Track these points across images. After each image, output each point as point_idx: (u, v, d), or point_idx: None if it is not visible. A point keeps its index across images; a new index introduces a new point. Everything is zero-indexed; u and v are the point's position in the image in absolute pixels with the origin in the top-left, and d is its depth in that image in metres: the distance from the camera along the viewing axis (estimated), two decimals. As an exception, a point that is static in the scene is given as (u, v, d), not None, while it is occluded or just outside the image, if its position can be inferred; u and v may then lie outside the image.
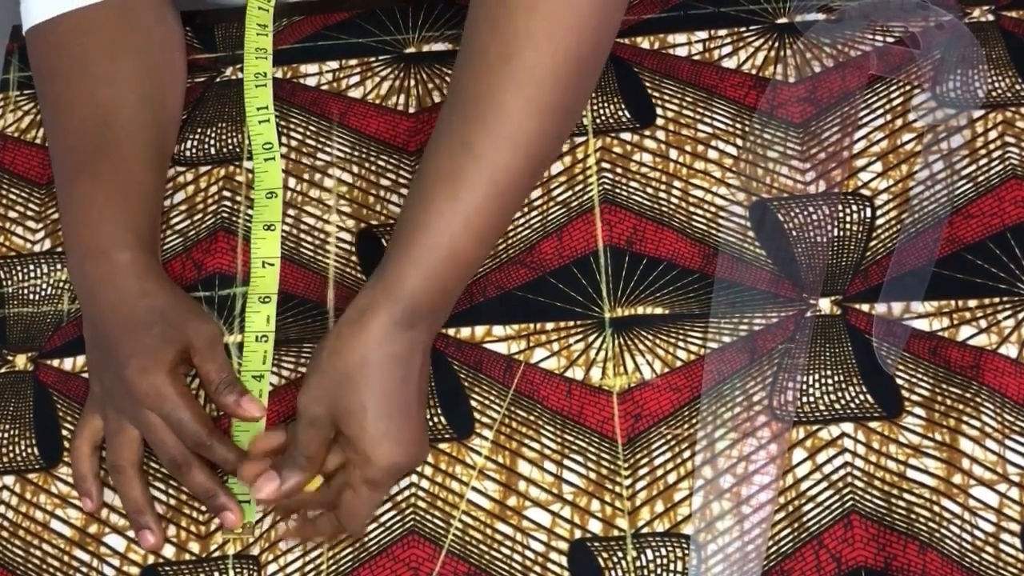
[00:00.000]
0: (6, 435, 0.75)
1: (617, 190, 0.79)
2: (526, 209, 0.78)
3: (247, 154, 0.83)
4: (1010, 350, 0.71)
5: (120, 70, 0.79)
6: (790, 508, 0.69)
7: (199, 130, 0.84)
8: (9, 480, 0.74)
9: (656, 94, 0.82)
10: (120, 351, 0.71)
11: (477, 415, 0.73)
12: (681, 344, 0.73)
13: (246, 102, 0.84)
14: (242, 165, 0.83)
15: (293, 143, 0.83)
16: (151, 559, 0.71)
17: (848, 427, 0.70)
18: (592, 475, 0.70)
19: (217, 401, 0.73)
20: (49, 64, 0.80)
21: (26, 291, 0.80)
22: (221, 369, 0.73)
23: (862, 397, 0.71)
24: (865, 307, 0.73)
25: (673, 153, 0.80)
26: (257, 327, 0.76)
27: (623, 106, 0.82)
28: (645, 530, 0.69)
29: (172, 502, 0.72)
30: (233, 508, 0.70)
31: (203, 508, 0.72)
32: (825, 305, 0.74)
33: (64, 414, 0.76)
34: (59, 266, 0.80)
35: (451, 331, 0.75)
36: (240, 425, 0.73)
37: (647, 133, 0.81)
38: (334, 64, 0.86)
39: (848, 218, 0.76)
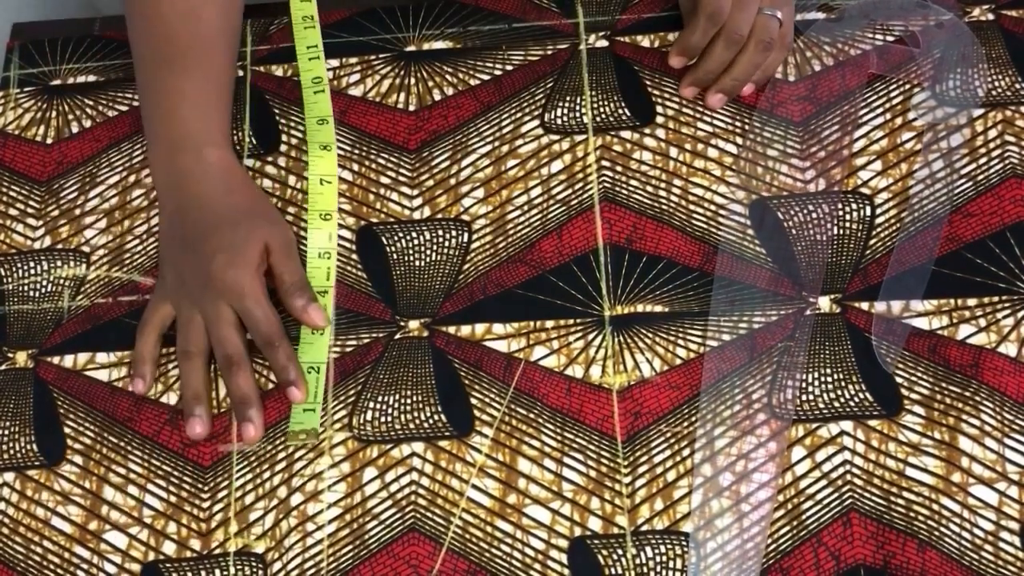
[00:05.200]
0: (6, 432, 0.75)
1: (617, 188, 0.79)
2: (526, 207, 0.79)
3: (247, 152, 0.83)
4: (1009, 349, 0.71)
5: None
6: (789, 506, 0.69)
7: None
8: (9, 477, 0.74)
9: (656, 92, 0.82)
10: (206, 244, 0.74)
11: (477, 413, 0.73)
12: (681, 342, 0.74)
13: (296, 41, 0.86)
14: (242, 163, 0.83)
15: (294, 141, 0.83)
16: (152, 556, 0.71)
17: (847, 425, 0.70)
18: (592, 473, 0.71)
19: (286, 302, 0.75)
20: None
21: (26, 288, 0.80)
22: (294, 272, 0.75)
23: (861, 395, 0.71)
24: (865, 305, 0.74)
25: (673, 151, 0.80)
26: (319, 244, 0.77)
27: (623, 104, 0.82)
28: (645, 528, 0.69)
29: (173, 499, 0.72)
30: (257, 425, 0.72)
31: (204, 505, 0.72)
32: (825, 303, 0.74)
33: (64, 412, 0.76)
34: (59, 263, 0.80)
35: (451, 329, 0.75)
36: (306, 337, 0.75)
37: (647, 131, 0.81)
38: (334, 62, 0.86)
39: (848, 216, 0.76)
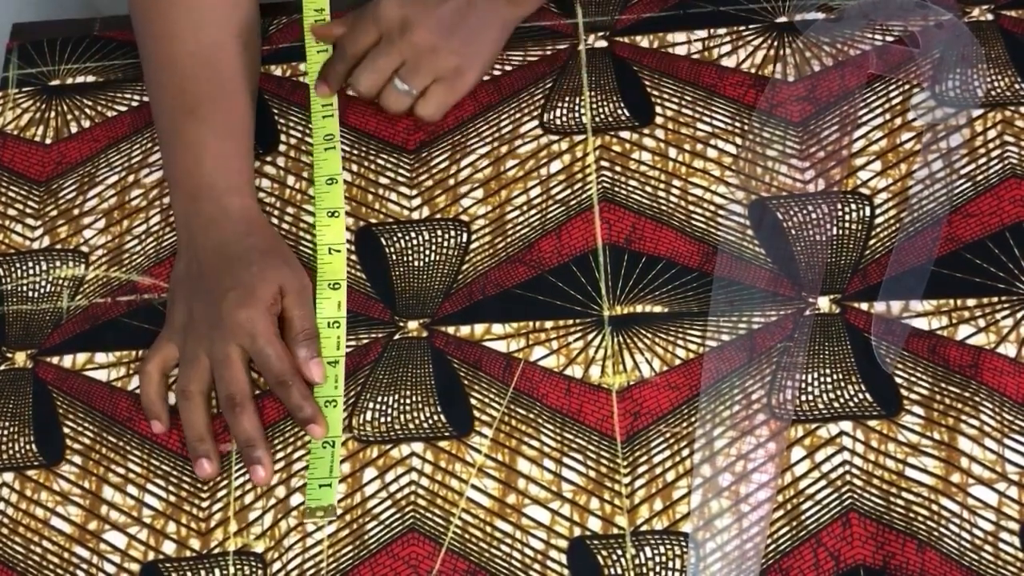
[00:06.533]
0: (5, 432, 0.75)
1: (616, 188, 0.79)
2: (525, 208, 0.79)
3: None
4: (1008, 349, 0.71)
5: (222, 12, 0.81)
6: (789, 506, 0.69)
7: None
8: (8, 477, 0.74)
9: (655, 93, 0.82)
10: (220, 283, 0.73)
11: (477, 413, 0.73)
12: (680, 342, 0.74)
13: (311, 100, 0.84)
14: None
15: (292, 141, 0.83)
16: (151, 555, 0.71)
17: (847, 425, 0.70)
18: (591, 473, 0.71)
19: (292, 348, 0.74)
20: (153, 3, 0.81)
21: (25, 288, 0.80)
22: (306, 319, 0.75)
23: (861, 396, 0.71)
24: (864, 306, 0.74)
25: (672, 152, 0.80)
26: (328, 314, 0.76)
27: (622, 105, 0.82)
28: (644, 528, 0.69)
29: (172, 499, 0.72)
30: (266, 465, 0.72)
31: (203, 505, 0.72)
32: (824, 304, 0.74)
33: (64, 412, 0.76)
34: (58, 263, 0.80)
35: (451, 329, 0.75)
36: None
37: (646, 132, 0.81)
38: (334, 62, 0.86)
39: (847, 217, 0.76)
